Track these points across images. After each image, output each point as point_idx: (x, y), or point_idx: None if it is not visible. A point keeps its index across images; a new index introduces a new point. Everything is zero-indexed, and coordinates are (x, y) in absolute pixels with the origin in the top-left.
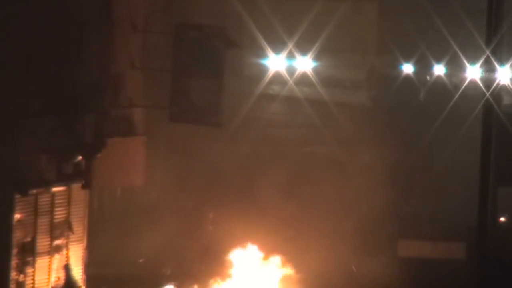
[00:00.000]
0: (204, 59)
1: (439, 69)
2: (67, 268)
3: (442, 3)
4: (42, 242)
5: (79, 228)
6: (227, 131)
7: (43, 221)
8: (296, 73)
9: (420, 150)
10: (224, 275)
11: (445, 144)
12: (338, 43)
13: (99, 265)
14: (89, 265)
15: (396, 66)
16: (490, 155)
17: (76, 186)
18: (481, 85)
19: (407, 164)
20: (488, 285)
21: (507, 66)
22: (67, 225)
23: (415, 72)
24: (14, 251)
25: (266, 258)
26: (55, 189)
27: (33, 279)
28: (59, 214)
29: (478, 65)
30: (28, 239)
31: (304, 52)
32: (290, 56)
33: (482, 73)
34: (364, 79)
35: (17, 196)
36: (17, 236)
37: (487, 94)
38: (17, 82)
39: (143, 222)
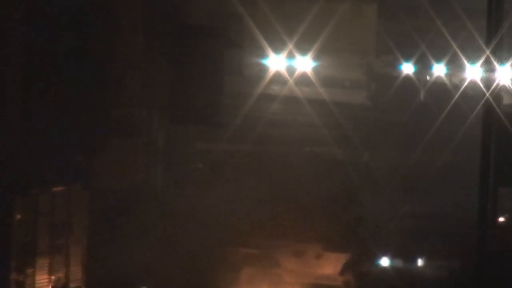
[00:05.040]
0: (204, 59)
1: (439, 69)
2: None
3: (442, 3)
4: (42, 242)
5: (79, 228)
6: (227, 131)
7: (43, 221)
8: (296, 73)
9: (420, 150)
10: None
11: (445, 144)
12: (338, 43)
13: None
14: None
15: (396, 66)
16: (490, 155)
17: (76, 186)
18: (481, 85)
19: (407, 164)
20: (488, 285)
21: (507, 66)
22: (67, 225)
23: (415, 72)
24: (14, 251)
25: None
26: (55, 189)
27: (33, 279)
28: (59, 214)
29: (478, 65)
30: (28, 239)
31: (304, 52)
32: (290, 56)
33: (482, 73)
34: (363, 79)
35: (17, 196)
36: (17, 236)
37: (487, 94)
38: (18, 83)
39: None
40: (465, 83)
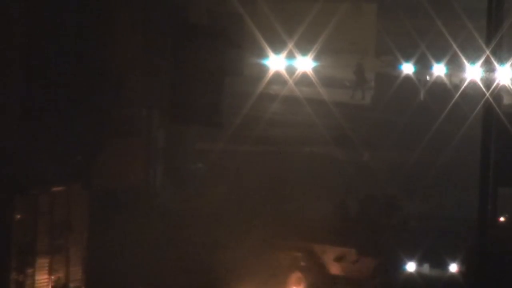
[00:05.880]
0: (204, 59)
1: (439, 69)
2: None
3: (442, 3)
4: (42, 242)
5: (79, 228)
6: (227, 131)
7: (43, 221)
8: (296, 73)
9: (420, 150)
10: None
11: (445, 144)
12: (338, 43)
13: None
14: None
15: (396, 66)
16: (490, 155)
17: (76, 186)
18: (481, 85)
19: (407, 164)
20: (488, 285)
21: (507, 66)
22: (67, 225)
23: (415, 72)
24: (14, 251)
25: None
26: (55, 189)
27: (33, 279)
28: (59, 214)
29: (478, 65)
30: (28, 239)
31: (304, 52)
32: (290, 56)
33: (482, 73)
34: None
35: (17, 196)
36: (17, 236)
37: (487, 94)
38: (18, 82)
39: None
40: (465, 83)
